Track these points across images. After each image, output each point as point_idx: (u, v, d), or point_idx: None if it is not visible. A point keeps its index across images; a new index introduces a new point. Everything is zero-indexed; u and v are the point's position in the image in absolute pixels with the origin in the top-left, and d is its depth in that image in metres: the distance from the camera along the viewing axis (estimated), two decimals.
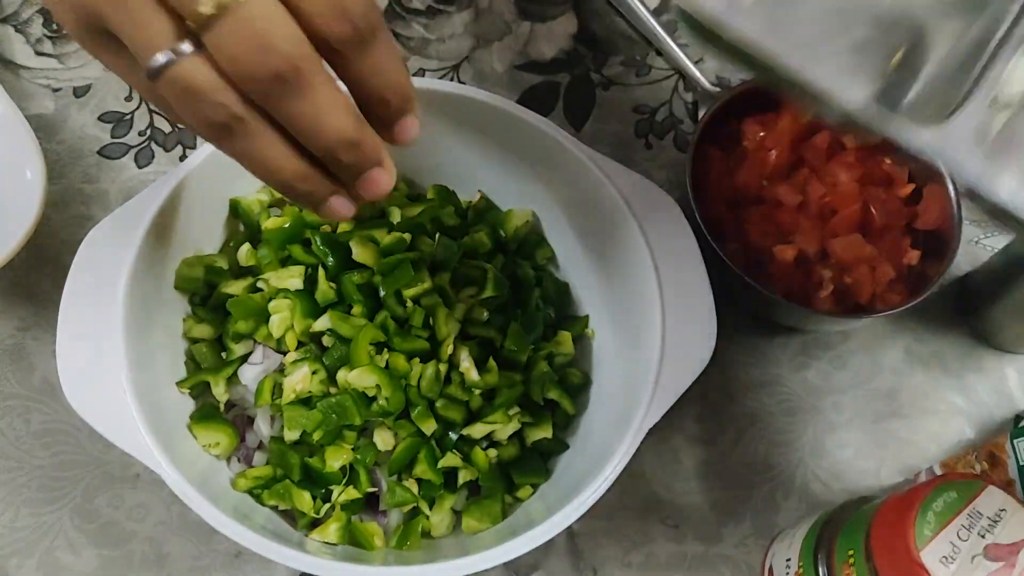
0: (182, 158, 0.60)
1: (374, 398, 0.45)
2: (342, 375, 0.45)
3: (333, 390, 0.46)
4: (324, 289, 0.46)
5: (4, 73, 0.60)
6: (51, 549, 0.48)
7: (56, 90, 0.61)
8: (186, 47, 0.26)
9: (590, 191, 0.50)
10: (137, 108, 0.61)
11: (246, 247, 0.49)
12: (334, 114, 0.28)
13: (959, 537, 0.35)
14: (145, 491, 0.50)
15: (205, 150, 0.48)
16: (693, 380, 0.46)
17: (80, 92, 0.61)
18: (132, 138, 0.60)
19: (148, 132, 0.61)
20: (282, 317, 0.46)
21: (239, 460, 0.48)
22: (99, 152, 0.60)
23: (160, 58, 0.26)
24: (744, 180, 0.56)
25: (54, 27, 0.63)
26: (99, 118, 0.61)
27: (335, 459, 0.45)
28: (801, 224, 0.54)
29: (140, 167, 0.60)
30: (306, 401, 0.46)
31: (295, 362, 0.45)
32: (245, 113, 0.27)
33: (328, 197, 0.31)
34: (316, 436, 0.45)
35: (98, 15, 0.27)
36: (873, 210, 0.55)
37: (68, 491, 0.50)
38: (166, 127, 0.61)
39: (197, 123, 0.28)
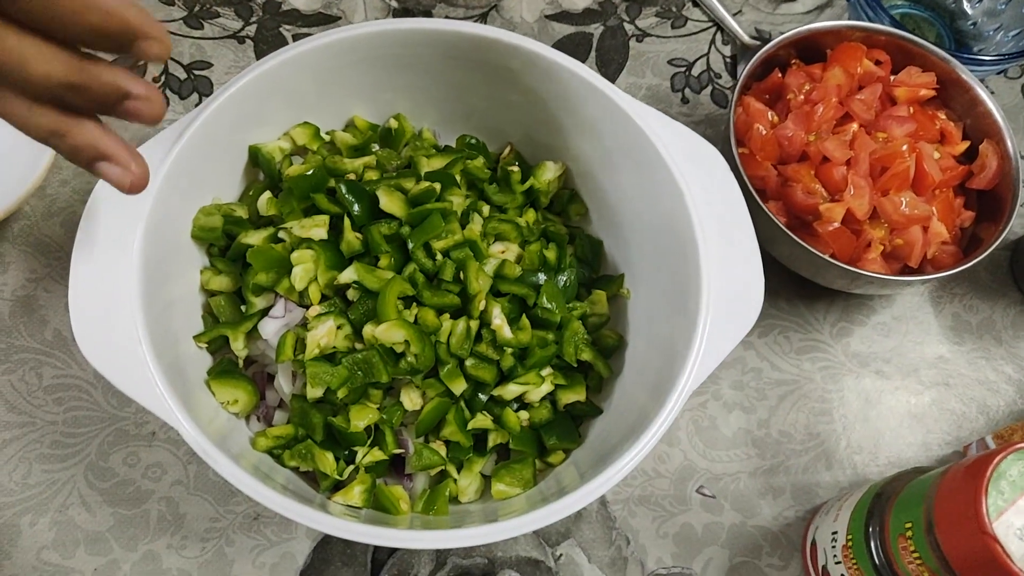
0: (198, 106, 0.58)
1: (402, 354, 0.43)
2: (368, 330, 0.42)
3: (359, 346, 0.43)
4: (350, 239, 0.44)
5: None
6: (65, 507, 0.47)
7: None
8: None
9: (629, 142, 0.47)
10: None
11: (266, 196, 0.47)
12: (35, 61, 0.28)
13: None
14: (161, 450, 0.48)
15: (222, 95, 0.45)
16: (736, 344, 0.43)
17: None
18: None
19: (163, 79, 0.58)
20: (305, 268, 0.44)
21: (258, 419, 0.46)
22: None
23: None
24: (789, 135, 0.53)
25: None
26: (112, 63, 0.58)
27: (360, 419, 0.43)
28: (851, 181, 0.51)
29: None
30: (330, 357, 0.43)
31: (319, 316, 0.43)
32: None
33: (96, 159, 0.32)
34: (341, 394, 0.42)
35: None
36: (926, 167, 0.52)
37: (82, 448, 0.48)
38: (181, 74, 0.59)
39: None
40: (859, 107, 0.54)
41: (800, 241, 0.49)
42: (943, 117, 0.55)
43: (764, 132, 0.53)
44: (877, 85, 0.54)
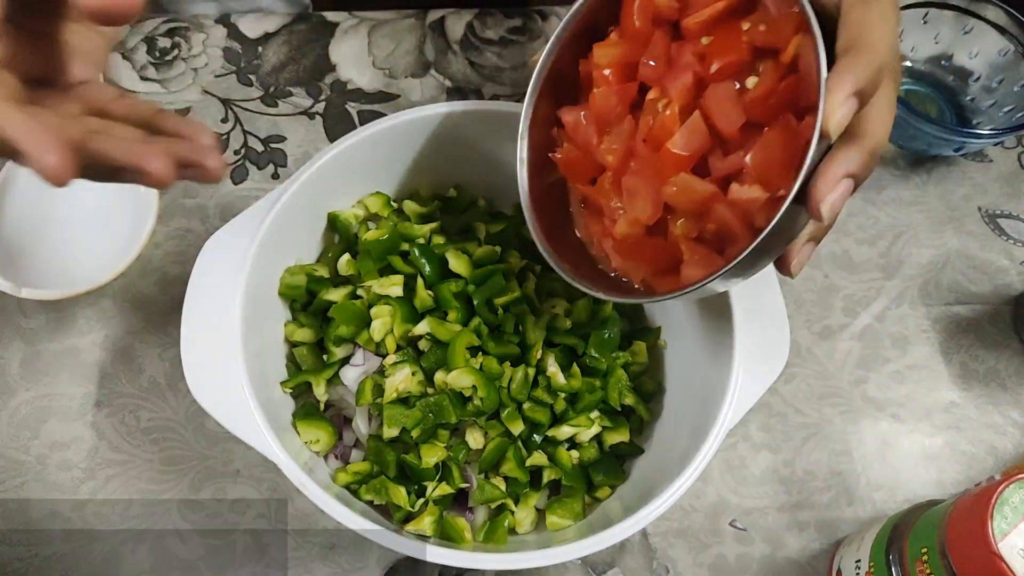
0: (274, 175, 0.64)
1: (469, 398, 0.48)
2: (440, 376, 0.48)
3: (430, 391, 0.49)
4: (423, 296, 0.50)
5: None
6: (161, 536, 0.52)
7: None
8: None
9: None
10: (232, 129, 0.66)
11: (346, 257, 0.53)
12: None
13: None
14: (245, 486, 0.54)
15: (305, 172, 0.51)
16: (765, 390, 0.48)
17: (181, 114, 0.65)
18: (228, 156, 0.65)
19: (243, 151, 0.65)
20: (383, 322, 0.49)
21: (336, 457, 0.52)
22: None
23: None
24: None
25: (157, 54, 0.68)
26: None
27: (430, 456, 0.48)
28: (624, 186, 0.40)
29: (236, 183, 0.64)
30: (404, 401, 0.49)
31: (395, 364, 0.49)
32: None
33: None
34: (415, 433, 0.48)
35: None
36: (722, 113, 0.36)
37: (176, 484, 0.53)
38: (259, 147, 0.65)
39: None
40: (649, 72, 0.39)
41: (587, 288, 0.41)
42: (746, 28, 0.36)
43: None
44: (661, 31, 0.40)
